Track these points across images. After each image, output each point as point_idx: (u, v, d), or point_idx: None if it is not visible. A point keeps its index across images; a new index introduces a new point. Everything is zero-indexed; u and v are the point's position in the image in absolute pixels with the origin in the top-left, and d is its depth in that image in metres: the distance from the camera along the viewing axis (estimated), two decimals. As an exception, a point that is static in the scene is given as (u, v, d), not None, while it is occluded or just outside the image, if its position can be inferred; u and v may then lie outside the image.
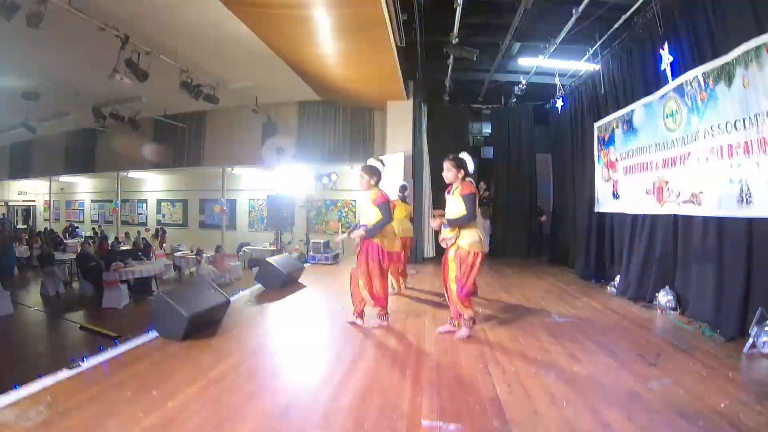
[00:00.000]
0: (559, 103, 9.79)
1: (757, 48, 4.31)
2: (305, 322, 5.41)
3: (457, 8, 6.46)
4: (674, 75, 5.76)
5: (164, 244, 15.67)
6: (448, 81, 10.06)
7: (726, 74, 4.77)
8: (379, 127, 12.04)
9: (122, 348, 4.15)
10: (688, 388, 3.44)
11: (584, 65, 8.23)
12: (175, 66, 8.96)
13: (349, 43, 7.74)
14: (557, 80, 9.23)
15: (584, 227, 8.58)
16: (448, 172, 4.78)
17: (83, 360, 3.76)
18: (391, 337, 4.67)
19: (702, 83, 5.16)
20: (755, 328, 4.20)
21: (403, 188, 7.77)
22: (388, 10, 6.17)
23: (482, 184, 11.58)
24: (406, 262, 7.19)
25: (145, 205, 18.42)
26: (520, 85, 10.08)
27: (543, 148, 11.72)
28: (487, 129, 12.69)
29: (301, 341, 4.64)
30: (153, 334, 4.52)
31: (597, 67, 7.90)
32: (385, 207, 4.80)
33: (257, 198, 15.87)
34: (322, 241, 9.83)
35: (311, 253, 9.84)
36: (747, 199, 4.48)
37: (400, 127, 10.89)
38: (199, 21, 7.69)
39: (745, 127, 4.52)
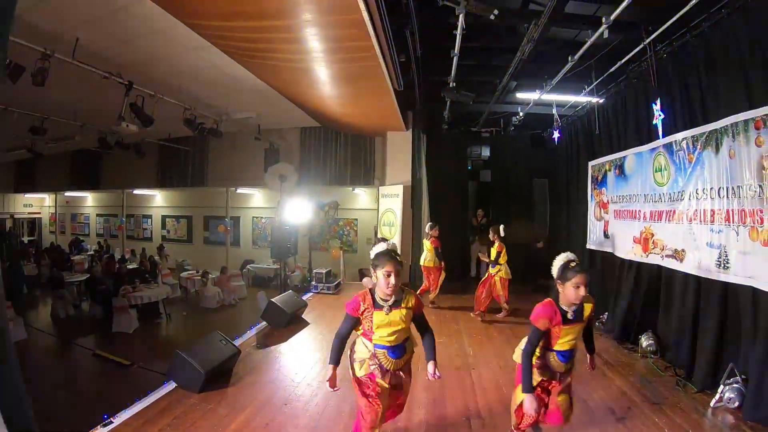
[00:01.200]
0: (556, 134, 10.05)
1: (746, 122, 4.47)
2: (307, 366, 5.69)
3: (454, 57, 6.62)
4: (664, 132, 5.98)
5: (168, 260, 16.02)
6: (447, 113, 10.35)
7: (714, 141, 4.99)
8: (379, 153, 12.38)
9: (147, 401, 4.49)
10: (647, 447, 3.77)
11: (583, 98, 8.36)
12: (179, 104, 9.29)
13: (347, 88, 8.03)
14: (555, 111, 9.43)
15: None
16: (585, 288, 3.16)
17: (115, 417, 4.13)
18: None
19: (690, 146, 5.42)
20: (722, 385, 4.53)
21: (431, 227, 8.74)
22: (385, 62, 6.40)
23: (480, 212, 12.03)
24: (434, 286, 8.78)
25: (150, 220, 18.73)
26: (518, 116, 10.29)
27: (540, 173, 11.98)
28: (486, 152, 12.95)
29: (305, 389, 4.91)
30: (172, 385, 4.86)
31: (595, 100, 8.05)
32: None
33: (261, 215, 16.23)
34: (324, 270, 10.05)
35: (313, 282, 10.10)
36: (725, 265, 4.77)
37: (399, 157, 11.22)
38: (202, 64, 7.94)
39: (728, 196, 4.78)
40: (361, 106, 9.19)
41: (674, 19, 5.19)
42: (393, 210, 10.69)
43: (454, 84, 7.80)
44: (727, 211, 4.79)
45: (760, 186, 4.32)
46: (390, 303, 3.18)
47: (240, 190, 15.75)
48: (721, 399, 4.48)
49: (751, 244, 4.39)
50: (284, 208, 10.73)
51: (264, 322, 7.45)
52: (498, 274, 8.10)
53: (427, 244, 8.74)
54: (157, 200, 18.52)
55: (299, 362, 5.89)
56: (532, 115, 10.36)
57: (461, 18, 5.37)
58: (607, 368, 5.63)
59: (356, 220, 13.94)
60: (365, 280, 10.59)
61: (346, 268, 12.15)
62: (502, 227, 8.11)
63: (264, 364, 5.77)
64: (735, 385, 4.44)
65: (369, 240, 12.75)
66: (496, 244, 8.06)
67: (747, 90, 4.51)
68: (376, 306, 3.18)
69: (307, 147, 13.40)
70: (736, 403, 4.36)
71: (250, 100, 10.22)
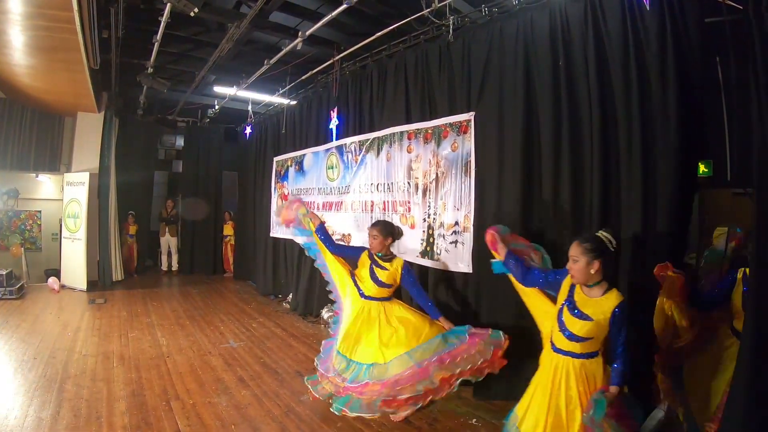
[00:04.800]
0: (248, 130, 9.90)
1: (401, 133, 5.15)
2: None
3: (155, 44, 6.00)
4: (338, 135, 6.45)
5: None
6: (143, 98, 9.10)
7: (376, 146, 5.58)
8: (68, 135, 9.70)
9: None
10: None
11: (277, 99, 8.44)
12: None
13: (40, 59, 6.38)
14: (250, 108, 9.33)
15: (262, 248, 8.84)
16: None
17: None
18: (83, 387, 4.14)
19: (357, 149, 5.93)
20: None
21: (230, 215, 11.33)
22: (84, 36, 5.39)
23: (169, 203, 10.92)
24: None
25: None
26: (214, 109, 9.84)
27: (230, 166, 11.52)
28: (181, 142, 11.75)
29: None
30: None
31: (287, 102, 8.19)
32: None
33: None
34: (4, 272, 7.71)
35: (-7, 288, 7.62)
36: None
37: (88, 141, 9.15)
38: None
39: (384, 190, 5.41)
40: (54, 80, 7.16)
41: (360, 44, 5.74)
42: (78, 200, 8.54)
43: (152, 69, 7.00)
44: (384, 202, 5.41)
45: (408, 183, 5.00)
46: None
47: None
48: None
49: (402, 227, 5.08)
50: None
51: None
52: (229, 242, 10.94)
53: (228, 228, 11.07)
54: None
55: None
56: (228, 109, 10.01)
57: (168, 6, 4.88)
58: (293, 339, 5.76)
59: (40, 212, 10.70)
60: (50, 280, 8.40)
61: (29, 268, 9.38)
62: (229, 213, 11.17)
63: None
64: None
65: (54, 236, 10.23)
66: (230, 223, 10.96)
67: (407, 108, 5.20)
68: None
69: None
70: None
71: None
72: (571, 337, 2.55)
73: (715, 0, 3.44)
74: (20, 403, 3.79)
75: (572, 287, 2.64)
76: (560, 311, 2.64)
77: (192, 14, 4.85)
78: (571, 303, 2.60)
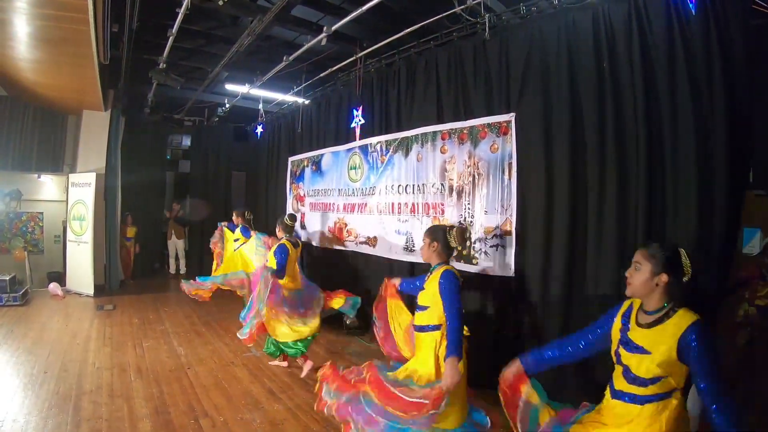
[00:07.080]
0: (259, 129, 9.72)
1: (434, 133, 5.02)
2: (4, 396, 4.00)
3: (170, 37, 5.74)
4: (362, 135, 6.28)
5: None
6: (152, 96, 8.89)
7: (405, 146, 5.44)
8: (72, 134, 9.40)
9: None
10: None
11: (290, 97, 8.25)
12: None
13: (47, 53, 6.16)
14: (261, 107, 9.14)
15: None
16: None
17: None
18: (101, 404, 3.86)
19: (383, 148, 5.80)
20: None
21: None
22: (95, 28, 5.17)
23: (175, 205, 10.70)
24: None
25: None
26: (224, 107, 9.56)
27: (240, 166, 11.27)
28: (187, 141, 11.54)
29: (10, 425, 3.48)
30: None
31: (301, 100, 8.00)
32: None
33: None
34: (7, 277, 7.45)
35: (-4, 293, 7.01)
36: (411, 248, 5.26)
37: (94, 141, 8.87)
38: None
39: (414, 191, 5.28)
40: (60, 76, 6.85)
41: (387, 41, 5.57)
42: (84, 201, 8.34)
43: (165, 65, 6.76)
44: (413, 204, 5.27)
45: (442, 184, 4.87)
46: None
47: None
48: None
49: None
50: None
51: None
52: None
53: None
54: None
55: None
56: (237, 108, 9.72)
57: (188, -2, 4.62)
58: (315, 345, 5.50)
59: (42, 213, 10.02)
60: (52, 285, 8.07)
61: (33, 273, 9.04)
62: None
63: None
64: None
65: (57, 238, 10.01)
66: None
67: (438, 108, 5.08)
68: None
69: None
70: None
71: None
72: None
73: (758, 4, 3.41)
74: (34, 424, 3.43)
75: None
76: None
77: (221, 3, 4.71)
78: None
